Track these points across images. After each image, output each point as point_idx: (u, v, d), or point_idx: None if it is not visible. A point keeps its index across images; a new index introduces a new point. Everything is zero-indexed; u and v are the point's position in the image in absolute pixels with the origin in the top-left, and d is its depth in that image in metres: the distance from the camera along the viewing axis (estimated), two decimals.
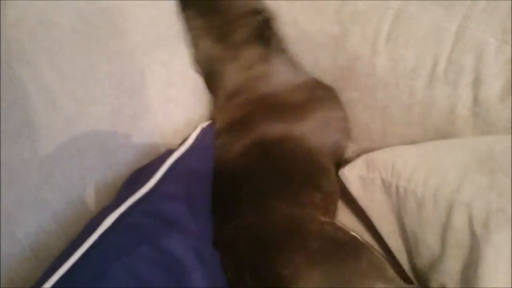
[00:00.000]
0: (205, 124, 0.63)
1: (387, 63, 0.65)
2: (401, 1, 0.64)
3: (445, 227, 0.54)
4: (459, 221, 0.53)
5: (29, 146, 0.44)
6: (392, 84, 0.66)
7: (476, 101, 0.61)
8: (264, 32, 0.67)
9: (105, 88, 0.51)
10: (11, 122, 0.43)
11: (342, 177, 0.68)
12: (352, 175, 0.66)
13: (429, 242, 0.56)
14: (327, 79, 0.74)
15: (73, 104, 0.49)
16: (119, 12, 0.54)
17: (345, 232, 0.60)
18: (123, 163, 0.55)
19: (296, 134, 0.64)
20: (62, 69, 0.47)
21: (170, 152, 0.54)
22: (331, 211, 0.65)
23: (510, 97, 0.59)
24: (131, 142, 0.55)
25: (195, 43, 0.67)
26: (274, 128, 0.62)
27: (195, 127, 0.60)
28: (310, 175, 0.63)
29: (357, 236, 0.61)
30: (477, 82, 0.61)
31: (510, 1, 0.61)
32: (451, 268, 0.54)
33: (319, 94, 0.70)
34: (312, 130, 0.66)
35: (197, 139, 0.59)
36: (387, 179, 0.61)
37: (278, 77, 0.67)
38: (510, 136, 0.57)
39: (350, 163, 0.68)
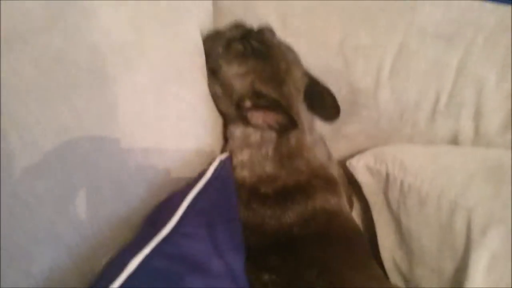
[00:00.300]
0: (223, 157, 0.61)
1: (390, 96, 0.67)
2: (403, 36, 0.67)
3: (445, 228, 0.55)
4: (458, 225, 0.54)
5: (44, 181, 0.45)
6: (396, 116, 0.68)
7: (477, 134, 0.63)
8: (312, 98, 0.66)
9: (119, 124, 0.52)
10: (27, 157, 0.44)
11: (350, 167, 0.68)
12: (360, 165, 0.67)
13: (424, 240, 0.57)
14: None
15: (88, 141, 0.50)
16: (135, 49, 0.55)
17: None
18: (136, 196, 0.55)
19: (344, 210, 0.63)
20: (77, 107, 0.48)
21: (188, 187, 0.54)
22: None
23: (510, 131, 0.61)
24: (143, 176, 0.55)
25: (229, 87, 0.63)
26: (331, 200, 0.62)
27: (212, 160, 0.59)
28: (368, 249, 0.65)
29: None
30: (477, 116, 0.63)
31: (509, 37, 0.63)
32: (445, 268, 0.54)
33: (341, 172, 0.71)
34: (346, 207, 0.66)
35: (215, 172, 0.58)
36: (392, 173, 0.62)
37: (319, 149, 0.65)
38: None
39: (358, 155, 0.68)
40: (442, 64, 0.64)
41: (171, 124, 0.60)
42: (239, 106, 0.60)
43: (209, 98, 0.67)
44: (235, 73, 0.61)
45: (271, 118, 0.59)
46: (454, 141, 0.65)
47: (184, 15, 0.67)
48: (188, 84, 0.63)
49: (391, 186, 0.61)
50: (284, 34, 0.66)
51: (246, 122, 0.61)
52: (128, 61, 0.55)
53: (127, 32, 0.56)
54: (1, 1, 0.45)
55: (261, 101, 0.59)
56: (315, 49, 0.68)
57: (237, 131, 0.63)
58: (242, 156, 0.62)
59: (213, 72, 0.64)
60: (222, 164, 0.58)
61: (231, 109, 0.63)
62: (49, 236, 0.46)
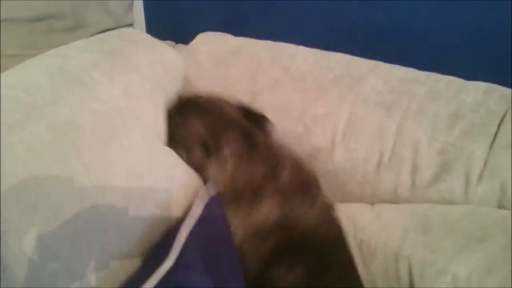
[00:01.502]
0: (212, 192, 0.69)
1: (344, 155, 0.80)
2: (351, 105, 0.81)
3: (392, 277, 0.67)
4: (402, 272, 0.66)
5: (62, 225, 0.56)
6: (348, 169, 0.81)
7: (413, 185, 0.76)
8: None
9: (121, 176, 0.64)
10: (46, 208, 0.58)
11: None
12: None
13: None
14: None
15: (96, 190, 0.64)
16: (132, 111, 0.69)
17: None
18: (135, 234, 0.66)
19: None
20: (85, 162, 0.60)
21: (182, 223, 0.62)
22: None
23: (440, 181, 0.74)
24: (141, 217, 0.67)
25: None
26: None
27: (201, 196, 0.69)
28: None
29: None
30: (414, 170, 0.76)
31: (437, 104, 0.77)
32: None
33: None
34: None
35: (206, 207, 0.66)
36: (348, 230, 0.73)
37: None
38: (442, 205, 0.72)
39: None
40: (384, 128, 0.78)
41: (162, 173, 0.73)
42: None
43: None
44: None
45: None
46: (395, 191, 0.77)
47: (166, 87, 0.82)
48: None
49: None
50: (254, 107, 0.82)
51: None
52: (125, 123, 0.69)
53: (121, 100, 0.71)
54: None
55: None
56: (280, 119, 0.83)
57: None
58: None
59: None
60: (211, 200, 0.68)
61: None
62: (66, 271, 0.59)
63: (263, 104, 0.84)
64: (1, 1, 0.93)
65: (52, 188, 0.58)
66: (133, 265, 0.66)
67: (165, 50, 0.86)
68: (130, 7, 1.26)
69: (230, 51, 0.95)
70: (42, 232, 0.56)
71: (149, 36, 0.88)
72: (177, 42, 1.24)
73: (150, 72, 0.77)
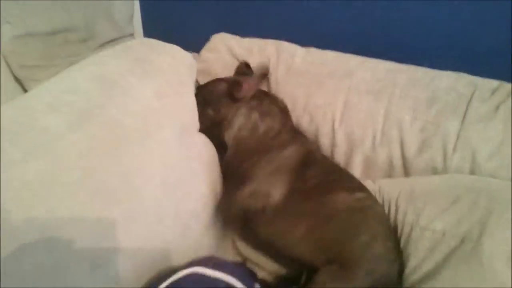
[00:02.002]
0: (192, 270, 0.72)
1: (343, 136, 0.95)
2: (345, 95, 0.96)
3: None
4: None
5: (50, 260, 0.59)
6: (348, 149, 0.96)
7: (403, 157, 0.91)
8: None
9: (156, 165, 0.76)
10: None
11: None
12: None
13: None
14: None
15: (139, 177, 0.72)
16: (163, 109, 0.80)
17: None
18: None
19: None
20: (133, 155, 0.71)
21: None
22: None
23: (423, 153, 0.89)
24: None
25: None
26: None
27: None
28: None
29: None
30: (402, 146, 0.91)
31: (416, 89, 0.92)
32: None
33: None
34: None
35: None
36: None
37: None
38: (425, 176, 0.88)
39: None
40: (374, 112, 0.93)
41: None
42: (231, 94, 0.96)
43: None
44: None
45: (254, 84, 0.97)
46: (391, 163, 0.93)
47: (187, 86, 0.93)
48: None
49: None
50: None
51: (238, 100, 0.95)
52: (158, 121, 0.80)
53: (153, 100, 0.81)
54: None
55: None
56: (290, 110, 0.99)
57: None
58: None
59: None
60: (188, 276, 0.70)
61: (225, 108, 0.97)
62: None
63: None
64: (22, 17, 1.02)
65: (111, 177, 0.69)
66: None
67: (179, 51, 0.97)
68: (131, 19, 1.37)
69: (246, 49, 1.09)
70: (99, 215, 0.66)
71: (162, 42, 0.98)
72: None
73: (173, 72, 0.89)
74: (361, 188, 0.91)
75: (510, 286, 0.67)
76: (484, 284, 0.69)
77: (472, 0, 1.01)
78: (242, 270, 0.81)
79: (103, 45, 1.23)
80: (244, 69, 1.05)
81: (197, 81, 1.02)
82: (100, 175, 0.68)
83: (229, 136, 0.97)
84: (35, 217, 0.59)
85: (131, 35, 1.38)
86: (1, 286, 0.54)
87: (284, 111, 1.00)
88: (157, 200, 0.76)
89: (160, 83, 0.84)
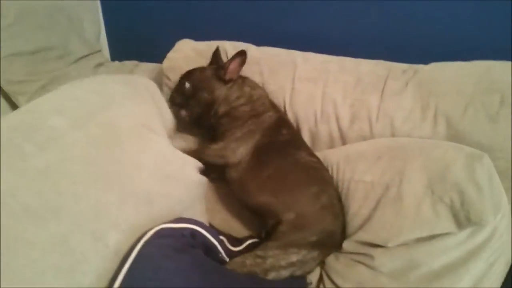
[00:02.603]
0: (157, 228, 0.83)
1: (292, 116, 1.17)
2: (292, 82, 1.16)
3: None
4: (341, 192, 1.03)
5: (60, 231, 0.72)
6: (296, 125, 1.17)
7: (339, 129, 1.13)
8: None
9: (148, 158, 0.89)
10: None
11: None
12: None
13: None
14: None
15: (132, 165, 0.86)
16: (148, 123, 0.94)
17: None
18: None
19: None
20: (127, 149, 0.85)
21: None
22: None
23: (354, 125, 1.10)
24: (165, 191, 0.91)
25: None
26: None
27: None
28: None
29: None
30: (337, 120, 1.12)
31: (345, 74, 1.13)
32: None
33: None
34: None
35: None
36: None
37: None
38: (357, 143, 1.09)
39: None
40: (314, 95, 1.13)
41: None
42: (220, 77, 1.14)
43: None
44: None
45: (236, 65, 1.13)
46: (331, 135, 1.14)
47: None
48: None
49: None
50: None
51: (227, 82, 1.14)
52: (145, 129, 0.93)
53: (141, 116, 0.95)
54: None
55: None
56: None
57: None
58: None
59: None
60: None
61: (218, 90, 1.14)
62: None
63: None
64: (7, 40, 1.17)
65: (109, 167, 0.83)
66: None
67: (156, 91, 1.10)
68: (99, 37, 1.52)
69: (207, 45, 1.26)
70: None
71: (152, 83, 1.12)
72: (140, 61, 1.53)
73: (155, 105, 1.03)
74: (314, 155, 1.11)
75: (427, 216, 0.86)
76: (406, 219, 0.88)
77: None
78: (206, 224, 0.97)
79: (77, 60, 1.38)
80: (217, 55, 1.22)
81: (167, 77, 1.17)
82: (98, 165, 0.82)
83: (224, 108, 1.14)
84: (47, 199, 0.73)
85: (99, 51, 1.53)
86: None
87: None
88: (147, 186, 0.90)
89: (144, 108, 0.98)
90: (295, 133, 1.15)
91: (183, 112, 1.15)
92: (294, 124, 1.18)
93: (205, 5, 1.47)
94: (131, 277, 0.76)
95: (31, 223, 0.70)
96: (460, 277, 0.84)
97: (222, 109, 1.14)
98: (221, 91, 1.15)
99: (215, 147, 1.10)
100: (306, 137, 1.17)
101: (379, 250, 0.91)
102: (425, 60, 1.13)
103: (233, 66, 1.14)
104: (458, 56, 1.10)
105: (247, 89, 1.16)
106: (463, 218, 0.83)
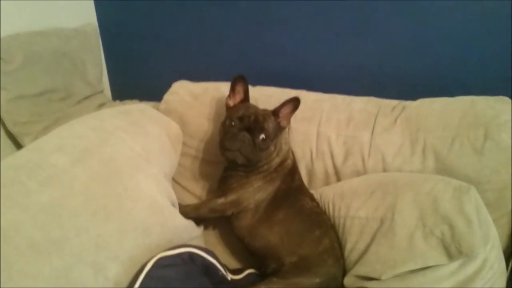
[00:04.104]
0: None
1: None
2: None
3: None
4: (338, 227, 1.07)
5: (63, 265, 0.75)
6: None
7: (334, 166, 1.18)
8: None
9: (145, 191, 0.94)
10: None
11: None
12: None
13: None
14: None
15: (131, 198, 0.91)
16: (148, 159, 1.00)
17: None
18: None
19: None
20: (126, 184, 0.90)
21: None
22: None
23: (348, 161, 1.16)
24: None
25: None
26: None
27: None
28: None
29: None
30: (332, 157, 1.18)
31: (337, 113, 1.20)
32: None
33: None
34: None
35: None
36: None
37: None
38: (350, 179, 1.13)
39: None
40: (308, 134, 1.20)
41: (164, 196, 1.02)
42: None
43: None
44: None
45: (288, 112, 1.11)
46: (326, 172, 1.20)
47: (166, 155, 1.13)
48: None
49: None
50: None
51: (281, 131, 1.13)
52: (144, 163, 0.99)
53: (141, 151, 1.00)
54: None
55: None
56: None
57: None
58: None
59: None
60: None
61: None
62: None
63: None
64: (14, 83, 1.24)
65: (108, 201, 0.88)
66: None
67: (169, 123, 1.19)
68: (101, 78, 1.61)
69: (202, 88, 1.32)
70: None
71: (158, 113, 1.20)
72: (140, 100, 1.60)
73: (158, 139, 1.10)
74: (315, 199, 1.16)
75: (419, 249, 0.90)
76: (400, 251, 0.92)
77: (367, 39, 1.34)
78: (203, 246, 1.01)
79: (80, 101, 1.46)
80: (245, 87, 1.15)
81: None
82: (98, 199, 0.87)
83: (277, 160, 1.13)
84: (50, 232, 0.77)
85: (102, 91, 1.61)
86: None
87: None
88: (145, 219, 0.95)
89: (146, 143, 1.04)
90: (301, 178, 1.20)
91: (240, 156, 1.06)
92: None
93: (202, 47, 1.58)
94: None
95: (34, 257, 0.74)
96: None
97: (276, 161, 1.14)
98: (279, 140, 1.14)
99: (231, 197, 1.11)
100: (303, 174, 1.22)
101: (374, 282, 0.95)
102: (414, 95, 1.21)
103: (287, 113, 1.12)
104: (445, 90, 1.18)
105: (286, 146, 1.19)
106: (454, 250, 0.87)
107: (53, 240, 0.77)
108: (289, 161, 1.16)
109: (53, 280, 0.74)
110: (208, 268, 0.95)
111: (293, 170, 1.16)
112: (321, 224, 1.09)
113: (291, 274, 1.02)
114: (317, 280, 1.01)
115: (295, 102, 1.10)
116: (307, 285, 1.00)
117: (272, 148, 1.11)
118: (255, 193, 1.11)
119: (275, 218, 1.09)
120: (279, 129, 1.12)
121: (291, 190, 1.13)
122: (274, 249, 1.07)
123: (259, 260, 1.13)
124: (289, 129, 1.22)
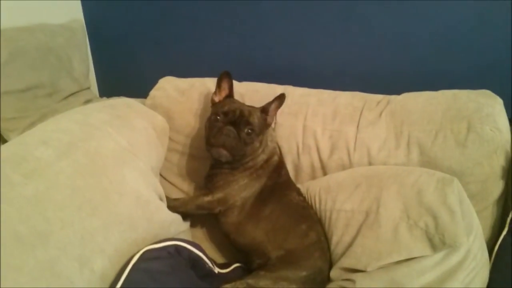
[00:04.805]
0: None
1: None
2: None
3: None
4: (324, 221, 1.08)
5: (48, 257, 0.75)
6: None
7: (320, 160, 1.19)
8: None
9: (129, 185, 0.95)
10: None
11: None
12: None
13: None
14: None
15: (117, 191, 0.91)
16: (133, 152, 1.00)
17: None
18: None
19: None
20: (111, 177, 0.91)
21: None
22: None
23: (334, 155, 1.17)
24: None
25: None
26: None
27: None
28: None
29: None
30: (318, 151, 1.19)
31: (323, 107, 1.21)
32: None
33: None
34: None
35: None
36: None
37: None
38: (336, 173, 1.15)
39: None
40: (295, 128, 1.20)
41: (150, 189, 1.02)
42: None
43: None
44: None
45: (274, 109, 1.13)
46: (312, 166, 1.20)
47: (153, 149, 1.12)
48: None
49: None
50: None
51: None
52: (130, 157, 0.99)
53: (127, 145, 1.00)
54: None
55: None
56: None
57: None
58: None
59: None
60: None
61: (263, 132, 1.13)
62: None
63: None
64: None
65: (93, 195, 0.88)
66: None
67: (155, 117, 1.18)
68: (88, 74, 1.60)
69: (189, 84, 1.31)
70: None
71: (143, 107, 1.20)
72: (127, 96, 1.58)
73: (144, 133, 1.10)
74: (301, 193, 1.17)
75: (404, 240, 0.91)
76: (385, 243, 0.94)
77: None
78: (189, 239, 1.02)
79: (66, 98, 1.45)
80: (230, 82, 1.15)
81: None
82: (84, 193, 0.87)
83: (263, 157, 1.14)
84: (35, 225, 0.77)
85: (88, 88, 1.61)
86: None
87: None
88: (131, 212, 0.95)
89: (132, 136, 1.04)
90: (288, 173, 1.21)
91: (224, 153, 1.06)
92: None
93: (189, 43, 1.59)
94: None
95: (19, 250, 0.73)
96: None
97: (262, 157, 1.15)
98: (265, 137, 1.16)
99: (218, 195, 1.11)
100: (290, 168, 1.23)
101: (359, 274, 0.96)
102: (399, 89, 1.23)
103: (273, 109, 1.14)
104: (428, 84, 1.20)
105: (273, 144, 1.20)
106: (438, 241, 0.88)
107: (38, 233, 0.76)
108: (276, 157, 1.17)
109: (38, 272, 0.74)
110: (195, 261, 0.95)
111: (280, 165, 1.17)
112: (307, 218, 1.10)
113: (277, 268, 1.02)
114: (304, 273, 1.02)
115: (281, 99, 1.13)
116: (293, 279, 1.01)
117: (257, 144, 1.11)
118: (241, 190, 1.11)
119: (262, 214, 1.10)
120: (265, 125, 1.13)
121: (278, 186, 1.14)
122: (260, 245, 1.07)
123: (245, 255, 1.13)
124: (275, 123, 1.23)
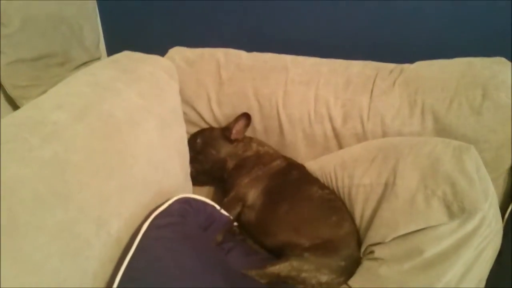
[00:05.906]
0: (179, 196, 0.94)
1: (286, 118, 1.20)
2: (284, 85, 1.20)
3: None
4: (343, 196, 1.09)
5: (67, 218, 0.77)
6: (291, 126, 1.21)
7: (333, 129, 1.17)
8: None
9: (143, 148, 0.95)
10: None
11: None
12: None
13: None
14: None
15: (131, 154, 0.91)
16: (146, 107, 0.98)
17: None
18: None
19: None
20: (125, 139, 0.90)
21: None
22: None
23: (347, 124, 1.15)
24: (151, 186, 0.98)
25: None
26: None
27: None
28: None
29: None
30: (330, 119, 1.16)
31: (335, 76, 1.19)
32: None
33: None
34: None
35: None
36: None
37: None
38: (350, 147, 1.13)
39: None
40: (306, 97, 1.17)
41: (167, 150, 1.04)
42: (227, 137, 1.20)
43: None
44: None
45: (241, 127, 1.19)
46: (325, 135, 1.18)
47: (166, 89, 1.12)
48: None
49: None
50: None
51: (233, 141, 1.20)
52: (142, 115, 0.98)
53: (138, 100, 0.99)
54: None
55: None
56: (242, 100, 1.23)
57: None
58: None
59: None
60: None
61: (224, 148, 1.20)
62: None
63: (229, 92, 1.22)
64: (12, 46, 1.22)
65: (109, 158, 0.88)
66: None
67: (159, 60, 1.16)
68: (98, 44, 1.58)
69: (198, 55, 1.29)
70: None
71: (144, 55, 1.18)
72: None
73: (153, 78, 1.08)
74: (326, 187, 1.14)
75: (421, 210, 0.91)
76: (402, 214, 0.93)
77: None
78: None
79: (77, 67, 1.43)
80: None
81: None
82: (100, 155, 0.86)
83: (233, 163, 1.21)
84: (54, 186, 0.76)
85: (99, 58, 1.58)
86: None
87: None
88: (144, 176, 0.95)
89: (142, 87, 1.03)
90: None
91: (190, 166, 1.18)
92: (289, 126, 1.21)
93: (198, 12, 1.55)
94: (132, 269, 0.79)
95: (39, 209, 0.73)
96: (452, 264, 0.88)
97: (231, 164, 1.21)
98: (226, 149, 1.22)
99: (230, 197, 1.14)
100: (301, 138, 1.21)
101: (378, 246, 0.96)
102: (411, 59, 1.20)
103: (238, 127, 1.21)
104: (441, 54, 1.16)
105: (254, 145, 1.22)
106: (457, 209, 0.87)
107: (57, 194, 0.76)
108: (279, 162, 1.18)
109: (57, 233, 0.73)
110: (208, 214, 0.96)
111: (288, 168, 1.18)
112: (336, 210, 1.07)
113: (320, 253, 1.00)
114: (343, 263, 1.00)
115: (246, 118, 1.21)
116: (335, 268, 0.99)
117: (213, 152, 1.21)
118: (247, 188, 1.13)
119: (280, 210, 1.08)
120: (227, 140, 1.23)
121: (289, 183, 1.13)
122: (292, 240, 1.04)
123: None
124: (284, 92, 1.21)
